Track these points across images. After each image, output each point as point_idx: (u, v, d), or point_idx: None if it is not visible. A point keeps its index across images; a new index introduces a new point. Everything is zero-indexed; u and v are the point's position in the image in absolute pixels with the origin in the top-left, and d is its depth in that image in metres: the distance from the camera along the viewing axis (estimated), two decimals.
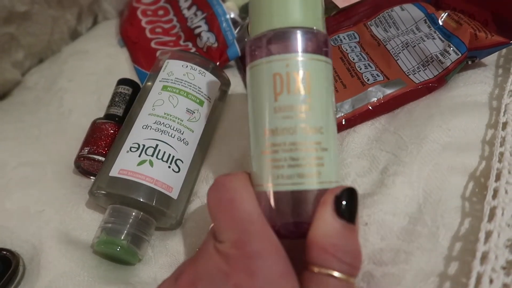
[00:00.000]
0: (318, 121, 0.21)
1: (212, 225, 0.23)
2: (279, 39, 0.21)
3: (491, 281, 0.19)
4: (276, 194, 0.21)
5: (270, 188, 0.21)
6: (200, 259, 0.21)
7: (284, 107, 0.21)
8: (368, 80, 0.31)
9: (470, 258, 0.21)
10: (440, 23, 0.32)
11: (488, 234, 0.21)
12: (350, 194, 0.21)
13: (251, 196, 0.21)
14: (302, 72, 0.21)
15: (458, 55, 0.30)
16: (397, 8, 0.34)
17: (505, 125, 0.26)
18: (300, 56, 0.21)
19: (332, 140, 0.22)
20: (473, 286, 0.19)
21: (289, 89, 0.21)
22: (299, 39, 0.21)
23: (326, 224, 0.20)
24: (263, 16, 0.22)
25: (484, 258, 0.20)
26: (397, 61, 0.32)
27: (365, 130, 0.31)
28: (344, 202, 0.20)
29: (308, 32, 0.22)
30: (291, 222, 0.21)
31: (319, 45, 0.22)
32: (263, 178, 0.21)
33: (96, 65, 0.43)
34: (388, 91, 0.31)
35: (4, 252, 0.28)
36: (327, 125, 0.21)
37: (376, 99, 0.31)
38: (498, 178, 0.23)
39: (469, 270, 0.20)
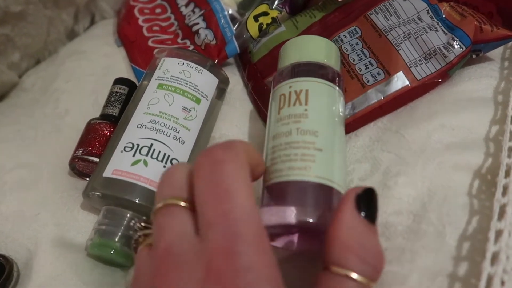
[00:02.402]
0: (313, 126, 0.24)
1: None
2: (287, 71, 0.27)
3: (502, 283, 0.18)
4: (271, 186, 0.23)
5: (267, 183, 0.23)
6: None
7: (284, 117, 0.25)
8: (368, 81, 0.31)
9: (479, 258, 0.20)
10: (443, 15, 0.31)
11: (499, 233, 0.20)
12: (370, 194, 0.20)
13: (249, 190, 0.18)
14: (301, 90, 0.25)
15: (462, 48, 0.29)
16: None
17: None
18: (301, 80, 0.26)
19: (330, 144, 0.24)
20: None
21: (289, 103, 0.25)
22: (298, 69, 0.27)
23: (348, 220, 0.19)
24: (281, 59, 0.29)
25: (494, 258, 0.19)
26: (399, 51, 0.31)
27: (366, 131, 0.30)
28: (365, 201, 0.19)
29: (310, 64, 0.27)
30: (287, 209, 0.22)
31: (321, 72, 0.27)
32: (264, 177, 0.24)
33: (93, 65, 0.42)
34: (389, 91, 0.30)
35: None
36: (323, 131, 0.24)
37: (376, 100, 0.30)
38: (508, 174, 0.22)
39: (479, 271, 0.19)
